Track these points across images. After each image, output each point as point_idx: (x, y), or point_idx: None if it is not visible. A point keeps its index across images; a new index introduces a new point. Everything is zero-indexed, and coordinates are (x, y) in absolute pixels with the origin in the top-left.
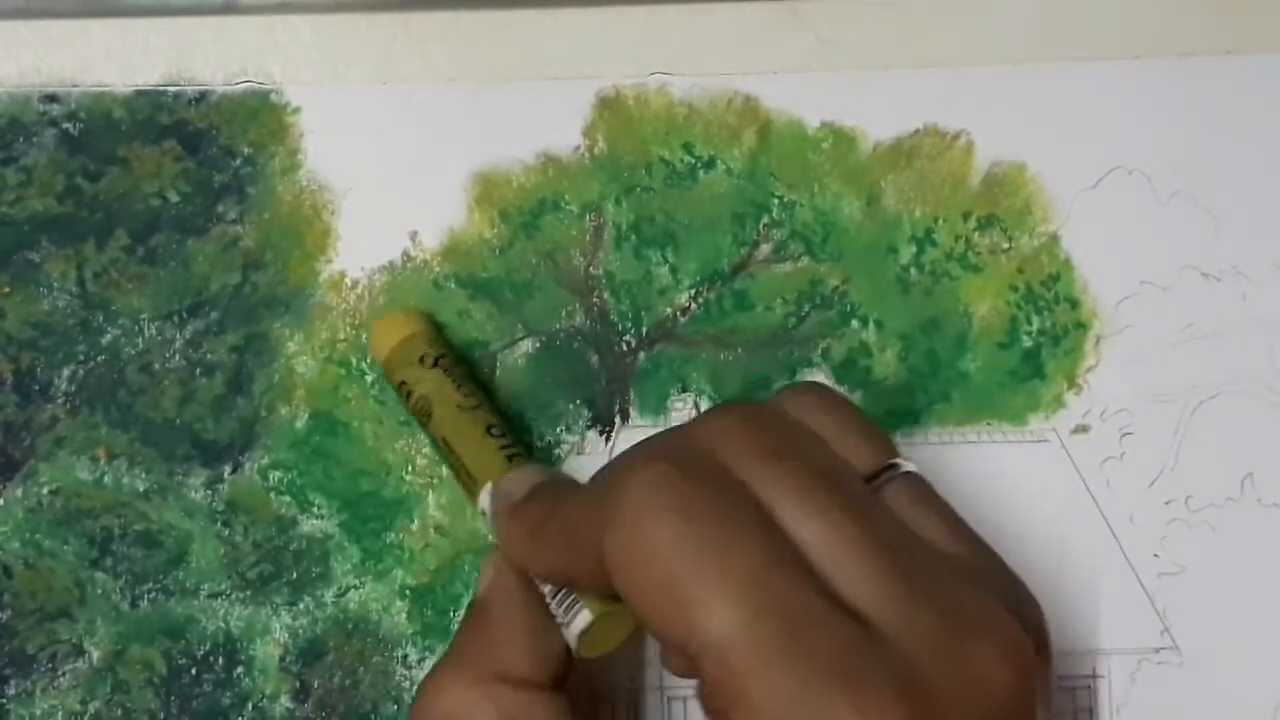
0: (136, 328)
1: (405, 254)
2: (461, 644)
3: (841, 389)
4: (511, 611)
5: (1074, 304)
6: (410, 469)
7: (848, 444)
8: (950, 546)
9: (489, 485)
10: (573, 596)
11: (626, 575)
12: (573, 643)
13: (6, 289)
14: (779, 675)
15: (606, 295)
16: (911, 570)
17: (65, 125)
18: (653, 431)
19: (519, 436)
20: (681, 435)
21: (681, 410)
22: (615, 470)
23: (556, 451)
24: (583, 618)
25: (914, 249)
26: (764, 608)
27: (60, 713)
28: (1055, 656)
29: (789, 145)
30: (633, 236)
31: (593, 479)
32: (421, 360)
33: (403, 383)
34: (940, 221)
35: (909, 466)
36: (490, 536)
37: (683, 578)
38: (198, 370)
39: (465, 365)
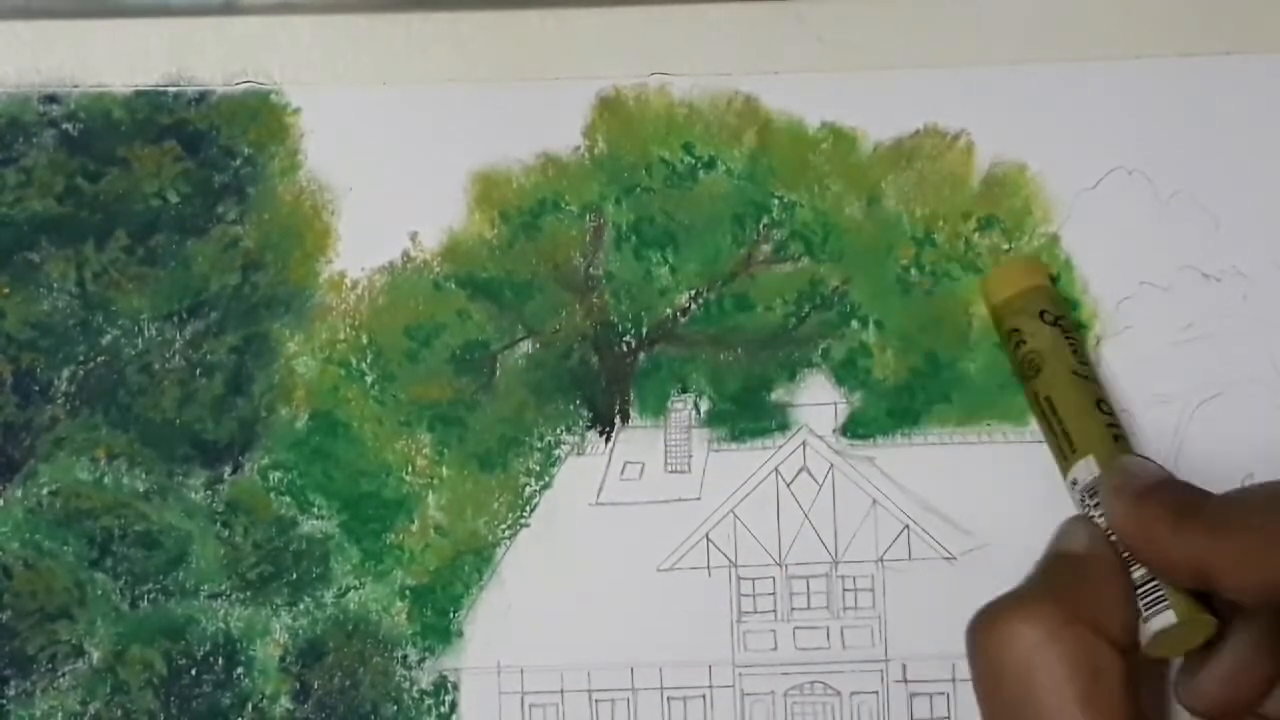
0: (136, 328)
1: (405, 254)
2: (1051, 587)
3: (841, 389)
4: (1115, 573)
5: (1074, 304)
6: (410, 469)
7: None
8: None
9: (1091, 457)
10: (1160, 593)
11: None
12: (1144, 636)
13: (6, 289)
14: None
15: (606, 295)
16: None
17: (65, 125)
18: (652, 431)
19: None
20: None
21: (682, 410)
22: None
23: (556, 452)
24: (1165, 617)
25: (914, 249)
26: None
27: (60, 713)
28: None
29: (789, 145)
30: (633, 237)
31: (1249, 501)
32: (1043, 315)
33: (1015, 330)
34: (940, 222)
35: None
36: (1087, 508)
37: None
38: (198, 371)
39: (1081, 334)
